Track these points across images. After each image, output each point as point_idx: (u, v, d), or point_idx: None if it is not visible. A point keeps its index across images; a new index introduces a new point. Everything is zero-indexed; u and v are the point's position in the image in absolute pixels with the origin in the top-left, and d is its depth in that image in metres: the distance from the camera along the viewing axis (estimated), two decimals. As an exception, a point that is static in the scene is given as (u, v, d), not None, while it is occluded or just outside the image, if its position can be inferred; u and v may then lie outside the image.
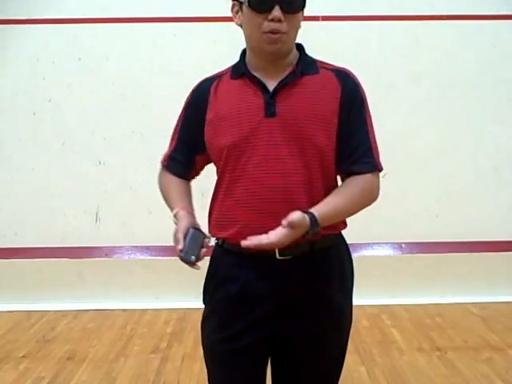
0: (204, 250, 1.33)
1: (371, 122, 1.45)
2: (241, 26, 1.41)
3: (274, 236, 1.27)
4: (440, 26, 3.56)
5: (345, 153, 1.42)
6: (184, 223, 1.38)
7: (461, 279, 3.64)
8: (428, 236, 3.62)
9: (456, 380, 2.61)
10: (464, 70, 3.59)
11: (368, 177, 1.42)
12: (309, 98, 1.39)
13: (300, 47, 1.47)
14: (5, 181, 3.64)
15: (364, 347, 2.96)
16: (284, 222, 1.27)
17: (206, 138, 1.46)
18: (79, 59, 3.56)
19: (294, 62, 1.43)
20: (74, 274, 3.65)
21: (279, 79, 1.40)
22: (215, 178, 1.49)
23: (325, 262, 1.43)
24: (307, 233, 1.31)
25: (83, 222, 3.66)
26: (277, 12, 1.32)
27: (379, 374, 2.67)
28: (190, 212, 1.47)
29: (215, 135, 1.43)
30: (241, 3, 1.38)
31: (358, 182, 1.41)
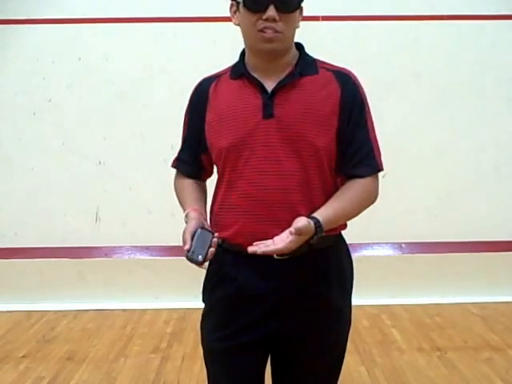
0: (212, 249, 1.33)
1: (372, 122, 1.45)
2: (239, 25, 1.42)
3: (281, 242, 1.28)
4: (440, 26, 3.56)
5: (346, 155, 1.42)
6: (193, 223, 1.38)
7: (461, 279, 3.64)
8: (428, 236, 3.62)
9: (456, 380, 2.61)
10: (464, 70, 3.59)
11: (369, 180, 1.42)
12: (307, 99, 1.39)
13: (300, 47, 1.47)
14: (5, 181, 3.64)
15: (364, 347, 2.96)
16: (292, 229, 1.26)
17: (207, 138, 1.46)
18: (79, 59, 3.56)
19: (294, 62, 1.43)
20: (74, 274, 3.65)
21: (278, 80, 1.40)
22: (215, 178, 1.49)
23: (324, 262, 1.43)
24: (312, 238, 1.31)
25: (83, 222, 3.66)
26: (271, 11, 1.32)
27: (379, 374, 2.67)
28: (201, 212, 1.46)
29: (215, 136, 1.44)
30: (238, 3, 1.39)
31: (359, 186, 1.41)
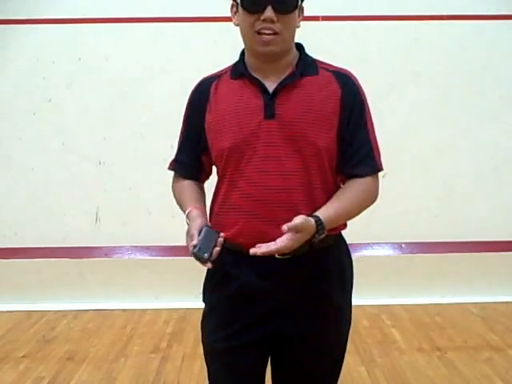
0: (217, 249, 1.33)
1: (372, 122, 1.46)
2: (239, 26, 1.42)
3: (282, 243, 1.28)
4: (440, 26, 3.56)
5: (346, 155, 1.42)
6: (198, 221, 1.39)
7: (461, 279, 3.64)
8: (428, 236, 3.62)
9: (456, 380, 2.61)
10: (464, 70, 3.59)
11: (369, 179, 1.43)
12: (308, 99, 1.39)
13: (300, 47, 1.47)
14: (5, 181, 3.64)
15: (364, 347, 2.96)
16: (285, 226, 1.26)
17: (208, 138, 1.46)
18: (79, 59, 3.56)
19: (294, 63, 1.43)
20: (74, 274, 3.65)
21: (279, 80, 1.40)
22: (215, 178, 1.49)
23: (324, 262, 1.43)
24: (314, 237, 1.31)
25: (83, 222, 3.66)
26: (269, 12, 1.32)
27: (379, 374, 2.67)
28: (203, 211, 1.47)
29: (216, 136, 1.43)
30: (237, 4, 1.39)
31: (359, 185, 1.42)
